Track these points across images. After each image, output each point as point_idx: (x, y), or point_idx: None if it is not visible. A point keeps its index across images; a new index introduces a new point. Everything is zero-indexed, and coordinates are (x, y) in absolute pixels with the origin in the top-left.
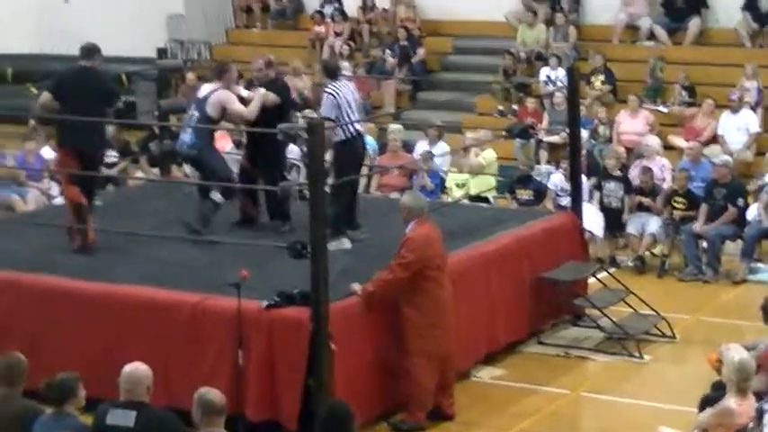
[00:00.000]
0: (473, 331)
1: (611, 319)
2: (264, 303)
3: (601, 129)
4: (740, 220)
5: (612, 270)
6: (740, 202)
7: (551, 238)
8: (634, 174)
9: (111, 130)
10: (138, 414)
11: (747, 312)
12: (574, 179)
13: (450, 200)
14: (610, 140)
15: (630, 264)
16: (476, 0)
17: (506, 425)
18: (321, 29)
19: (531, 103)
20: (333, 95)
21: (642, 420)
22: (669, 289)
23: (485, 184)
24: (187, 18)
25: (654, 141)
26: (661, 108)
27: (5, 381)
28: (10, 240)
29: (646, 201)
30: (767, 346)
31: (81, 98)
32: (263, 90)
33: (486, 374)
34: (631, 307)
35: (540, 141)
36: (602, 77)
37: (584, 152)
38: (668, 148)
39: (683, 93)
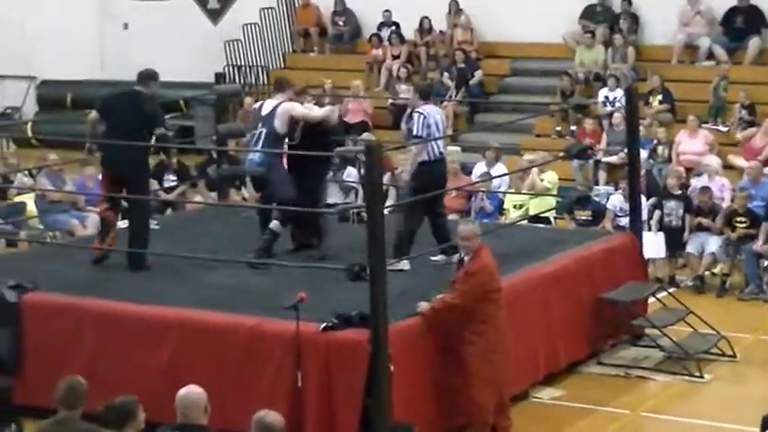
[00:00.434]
0: (532, 352)
1: (671, 339)
2: (322, 325)
3: (660, 149)
4: None
5: (672, 290)
6: None
7: (610, 259)
8: (693, 194)
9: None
10: None
11: None
12: (633, 199)
13: (507, 221)
14: (669, 160)
15: (690, 283)
16: (533, 22)
17: None
18: (379, 52)
19: (589, 123)
20: (424, 115)
21: None
22: (729, 308)
23: (544, 204)
24: (245, 43)
25: (713, 161)
26: (720, 127)
27: (65, 404)
28: (69, 264)
29: (705, 221)
30: None
31: (121, 121)
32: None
33: (545, 395)
34: (691, 326)
35: (598, 162)
36: (659, 97)
37: (642, 172)
38: (728, 167)
39: (743, 112)
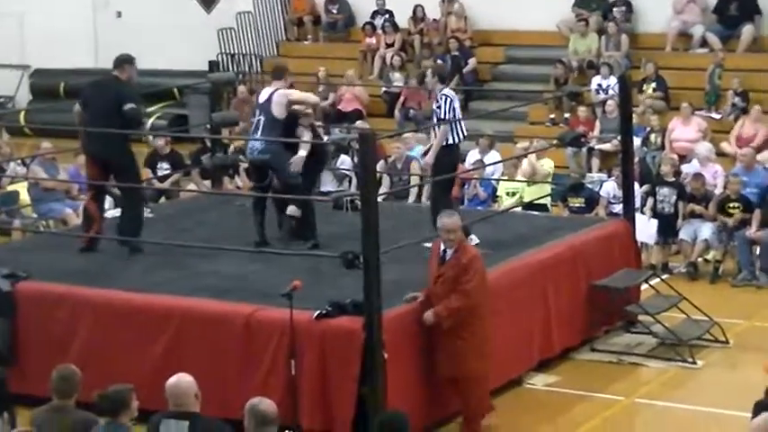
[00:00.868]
0: (526, 339)
1: (664, 326)
2: (316, 313)
3: (653, 136)
4: None
5: (665, 276)
6: None
7: (604, 246)
8: (686, 181)
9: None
10: (190, 424)
11: None
12: (626, 187)
13: (501, 208)
14: (662, 148)
15: (683, 270)
16: (527, 10)
17: None
18: (372, 40)
19: (582, 111)
20: (450, 98)
21: (696, 426)
22: (722, 295)
23: (539, 191)
24: (238, 31)
25: (705, 148)
26: (714, 115)
27: (60, 393)
28: (63, 253)
29: (698, 208)
30: None
31: (98, 107)
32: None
33: (539, 382)
34: (684, 313)
35: (591, 149)
36: (653, 85)
37: (636, 160)
38: (720, 154)
39: (737, 99)
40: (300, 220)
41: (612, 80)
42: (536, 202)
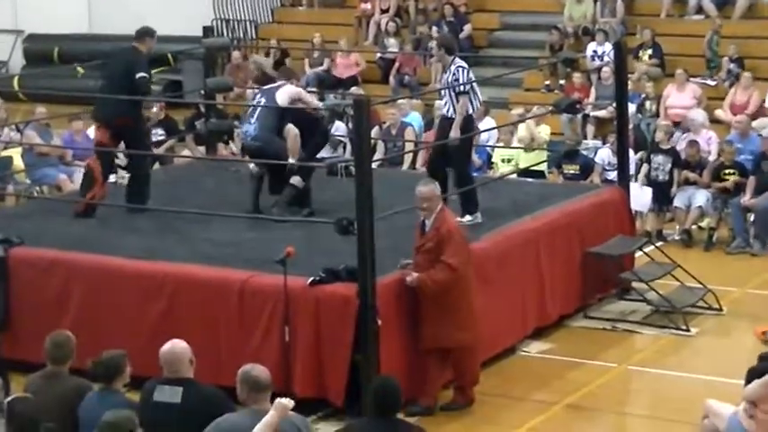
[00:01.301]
0: (521, 306)
1: (658, 293)
2: (310, 279)
3: (648, 103)
4: None
5: (659, 244)
6: None
7: (599, 213)
8: (680, 147)
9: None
10: (184, 390)
11: None
12: (621, 154)
13: (497, 175)
14: (657, 115)
15: (677, 237)
16: None
17: (554, 399)
18: (367, 6)
19: (577, 78)
20: (465, 68)
21: (689, 393)
22: (716, 262)
23: (534, 158)
24: None
25: (700, 115)
26: (709, 81)
27: (53, 359)
28: (57, 219)
29: (692, 176)
30: None
31: (112, 74)
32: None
33: (533, 349)
34: (678, 280)
35: (587, 116)
36: (649, 52)
37: (630, 127)
38: (715, 121)
39: (732, 66)
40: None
41: (608, 47)
42: (532, 168)
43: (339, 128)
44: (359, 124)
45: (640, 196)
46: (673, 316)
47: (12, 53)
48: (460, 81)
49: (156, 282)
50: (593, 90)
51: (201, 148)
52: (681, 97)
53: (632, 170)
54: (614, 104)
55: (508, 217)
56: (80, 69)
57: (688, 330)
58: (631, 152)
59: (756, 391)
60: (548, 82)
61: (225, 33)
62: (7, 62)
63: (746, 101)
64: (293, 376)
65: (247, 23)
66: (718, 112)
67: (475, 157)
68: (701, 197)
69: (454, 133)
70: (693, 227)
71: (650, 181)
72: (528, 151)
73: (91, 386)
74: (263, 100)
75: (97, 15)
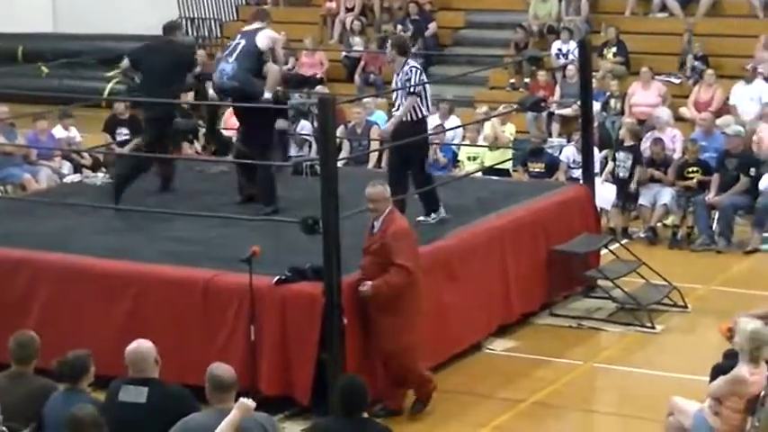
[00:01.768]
0: (487, 304)
1: (624, 290)
2: (276, 278)
3: (612, 101)
4: (752, 191)
5: (625, 241)
6: (752, 172)
7: (564, 211)
8: (646, 145)
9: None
10: (149, 390)
11: (759, 282)
12: (586, 152)
13: (462, 173)
14: (622, 113)
15: (642, 235)
16: None
17: (520, 396)
18: (332, 4)
19: (542, 76)
20: (418, 69)
21: (655, 390)
22: (681, 259)
23: (500, 156)
24: None
25: (664, 113)
26: (673, 79)
27: (18, 359)
28: (22, 219)
29: (657, 173)
30: None
31: (155, 67)
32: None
33: (498, 346)
34: (643, 278)
35: (552, 114)
36: (614, 50)
37: (595, 124)
38: (680, 119)
39: (696, 63)
40: (263, 183)
41: (573, 45)
42: (497, 167)
43: (304, 127)
44: (324, 123)
45: (604, 193)
46: (638, 313)
47: None
48: (412, 81)
49: (122, 281)
50: (557, 88)
51: None
52: (646, 95)
53: (597, 168)
54: (579, 102)
55: (474, 214)
56: (44, 68)
57: (653, 328)
58: (596, 150)
59: (721, 387)
60: (513, 80)
61: (190, 32)
62: None
63: (710, 98)
64: (259, 375)
65: (212, 22)
66: (683, 110)
67: (440, 156)
68: (665, 195)
69: (389, 128)
70: (659, 224)
71: (614, 178)
72: (493, 149)
73: (56, 386)
74: (242, 42)
75: (62, 14)
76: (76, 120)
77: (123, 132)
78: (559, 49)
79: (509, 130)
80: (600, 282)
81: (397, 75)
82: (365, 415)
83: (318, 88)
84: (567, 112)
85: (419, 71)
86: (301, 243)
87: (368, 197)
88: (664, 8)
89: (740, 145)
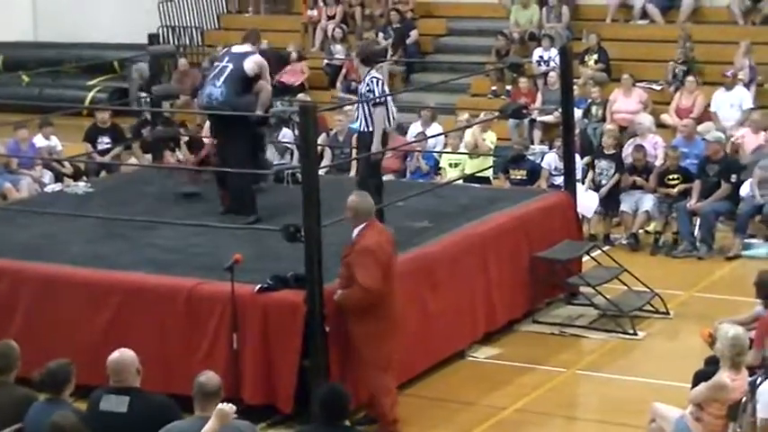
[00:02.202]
0: (470, 311)
1: (606, 297)
2: (258, 287)
3: (594, 108)
4: (734, 197)
5: (607, 248)
6: (733, 178)
7: (546, 218)
8: (628, 152)
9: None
10: (131, 399)
11: (741, 288)
12: (567, 159)
13: (444, 180)
14: (603, 119)
15: (624, 242)
16: None
17: (504, 403)
18: (314, 12)
19: (524, 83)
20: (380, 80)
21: (637, 396)
22: (663, 266)
23: (481, 164)
24: (179, 3)
25: (646, 119)
26: (654, 86)
27: None
28: (3, 228)
29: (639, 180)
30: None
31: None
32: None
33: (481, 354)
34: (625, 284)
35: (533, 121)
36: (595, 57)
37: (577, 131)
38: (661, 126)
39: (678, 69)
40: (241, 194)
41: (554, 52)
42: (478, 174)
43: (286, 134)
44: (305, 131)
45: (585, 201)
46: (620, 320)
47: None
48: (375, 92)
49: (104, 290)
50: (539, 95)
51: (148, 156)
52: (627, 102)
53: (579, 175)
54: (560, 109)
55: (456, 221)
56: (25, 77)
57: (635, 334)
58: (578, 157)
59: (703, 393)
60: (494, 87)
61: (171, 40)
62: None
63: (692, 105)
64: (242, 383)
65: (193, 30)
66: (665, 117)
67: (422, 163)
68: (647, 202)
69: (375, 147)
70: (640, 231)
71: (596, 185)
72: (473, 157)
73: (37, 396)
74: (230, 65)
75: (43, 23)
76: (57, 128)
77: (104, 141)
78: (541, 56)
79: (490, 138)
80: (582, 288)
81: (359, 85)
82: (347, 423)
83: (300, 96)
84: (548, 119)
85: (381, 81)
86: (283, 251)
87: (346, 206)
88: (645, 15)
89: (720, 151)
